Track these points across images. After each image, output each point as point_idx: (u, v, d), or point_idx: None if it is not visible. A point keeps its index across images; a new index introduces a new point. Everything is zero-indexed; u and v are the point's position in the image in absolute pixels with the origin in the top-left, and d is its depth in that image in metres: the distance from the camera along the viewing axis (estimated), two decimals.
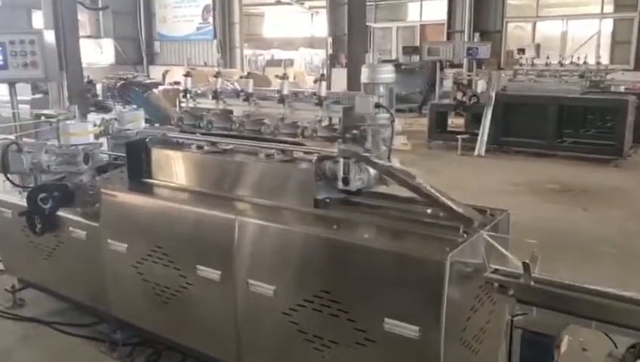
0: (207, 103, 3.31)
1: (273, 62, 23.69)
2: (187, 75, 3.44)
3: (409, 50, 17.33)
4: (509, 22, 17.32)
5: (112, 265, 3.27)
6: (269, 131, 3.00)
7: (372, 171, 2.52)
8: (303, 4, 26.75)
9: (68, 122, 3.47)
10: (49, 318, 3.90)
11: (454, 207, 2.34)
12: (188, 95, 3.37)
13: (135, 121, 4.04)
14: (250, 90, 3.14)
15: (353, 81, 12.92)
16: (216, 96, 3.24)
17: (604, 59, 13.45)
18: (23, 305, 4.10)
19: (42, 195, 3.30)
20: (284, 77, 3.04)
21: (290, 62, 23.42)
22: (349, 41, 12.30)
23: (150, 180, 3.26)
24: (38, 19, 19.70)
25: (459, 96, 10.02)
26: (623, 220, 6.17)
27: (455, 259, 2.16)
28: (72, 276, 3.62)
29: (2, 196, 3.96)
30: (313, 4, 26.77)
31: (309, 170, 2.70)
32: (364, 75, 2.59)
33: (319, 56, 24.13)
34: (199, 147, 3.15)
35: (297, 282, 2.52)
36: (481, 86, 9.89)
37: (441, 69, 11.80)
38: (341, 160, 2.62)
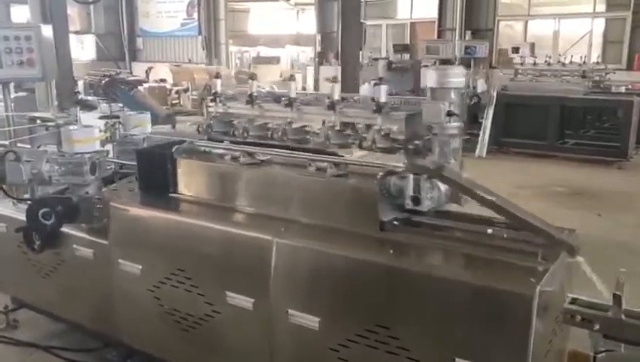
0: (240, 108, 2.96)
1: (260, 60, 23.32)
2: (217, 76, 3.09)
3: (400, 48, 17.09)
4: (501, 20, 17.19)
5: (123, 288, 2.93)
6: (318, 141, 2.66)
7: (443, 188, 2.23)
8: (288, 0, 26.37)
9: (71, 128, 3.11)
10: (46, 342, 3.54)
11: (550, 231, 2.06)
12: (218, 99, 3.01)
13: (141, 125, 3.70)
14: (293, 94, 2.80)
15: (347, 79, 12.68)
16: (251, 100, 2.89)
17: (595, 59, 13.36)
18: (17, 327, 3.73)
19: (44, 210, 2.94)
20: (335, 80, 2.73)
21: (277, 60, 23.07)
22: (343, 38, 12.03)
23: (175, 194, 2.92)
24: (18, 14, 19.08)
25: None
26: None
27: (542, 289, 1.88)
28: (75, 297, 3.26)
29: None
30: (299, 0, 26.41)
31: (373, 188, 2.39)
32: (432, 79, 2.29)
33: (306, 53, 23.77)
34: (234, 158, 2.80)
35: (348, 314, 2.21)
36: (481, 85, 9.66)
37: None
38: (410, 176, 2.31)
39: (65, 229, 3.10)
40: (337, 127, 2.72)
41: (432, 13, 18.26)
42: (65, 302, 3.37)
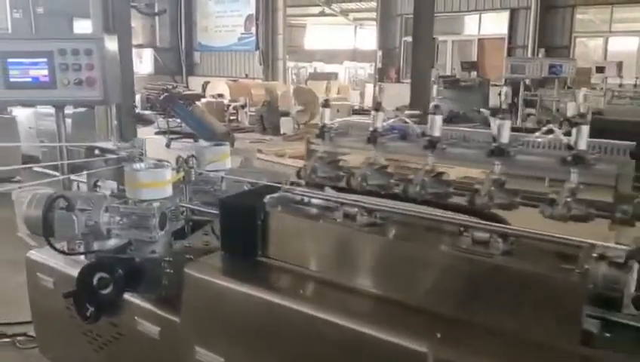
0: (356, 147, 2.24)
1: (316, 76, 22.75)
2: (325, 104, 2.37)
3: (467, 66, 16.13)
4: (577, 37, 16.03)
5: None
6: (479, 202, 1.90)
7: None
8: (347, 15, 25.81)
9: (137, 166, 2.43)
10: None
11: None
12: (326, 133, 2.29)
13: (219, 159, 3.00)
14: (437, 131, 2.05)
15: (417, 98, 11.87)
16: (374, 139, 2.16)
17: None
18: None
19: (100, 275, 2.26)
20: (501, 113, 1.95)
21: (335, 76, 22.44)
22: (414, 53, 11.24)
23: (266, 259, 2.20)
24: (81, 29, 19.13)
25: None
26: None
27: None
28: None
29: (40, 256, 2.96)
30: (358, 15, 25.82)
31: (576, 281, 1.59)
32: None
33: (365, 70, 23.08)
34: (349, 216, 2.07)
35: None
36: (571, 109, 8.65)
37: (527, 89, 10.62)
38: (636, 265, 1.52)
39: (126, 295, 2.41)
40: (497, 179, 1.94)
41: (502, 29, 17.26)
42: None
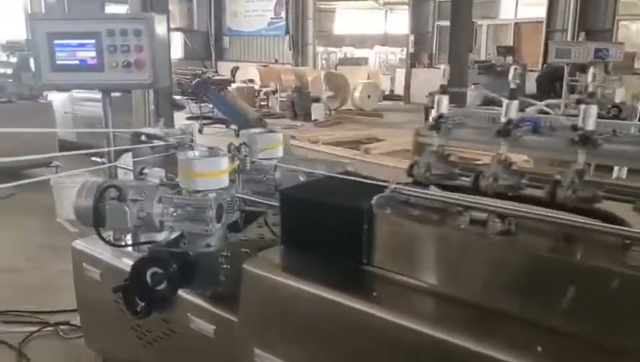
0: (481, 141, 1.98)
1: (346, 61, 22.42)
2: (443, 90, 2.09)
3: (503, 51, 15.69)
4: (621, 20, 15.42)
5: None
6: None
7: None
8: (377, 0, 25.38)
9: (191, 154, 2.28)
10: None
11: None
12: (443, 125, 2.02)
13: (271, 147, 2.84)
14: (591, 124, 1.70)
15: (454, 83, 11.46)
16: (506, 132, 1.84)
17: None
18: None
19: (154, 270, 2.13)
20: None
21: (365, 61, 22.10)
22: (452, 38, 10.93)
23: (372, 268, 1.95)
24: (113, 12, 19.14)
25: None
26: None
27: None
28: None
29: (86, 246, 2.86)
30: (389, 0, 25.37)
31: None
32: None
33: (395, 55, 22.68)
34: (477, 222, 1.79)
35: None
36: (620, 95, 8.28)
37: (572, 74, 10.22)
38: None
39: (179, 291, 2.28)
40: None
41: (539, 13, 16.71)
42: None
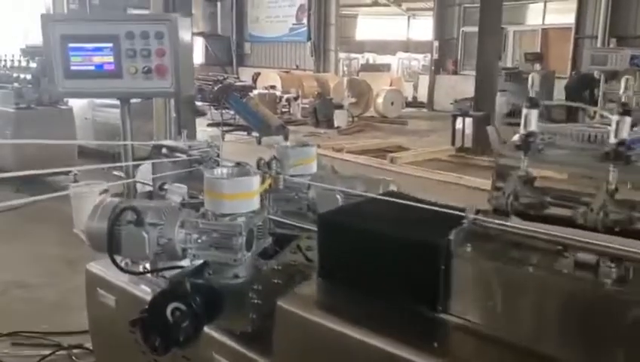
0: (582, 165, 1.64)
1: (368, 67, 22.17)
2: (533, 103, 1.73)
3: (531, 57, 15.28)
4: None
5: None
6: None
7: None
8: (400, 5, 25.09)
9: (218, 172, 2.01)
10: None
11: None
12: (532, 145, 1.68)
13: (304, 162, 2.57)
14: None
15: (482, 91, 11.18)
16: (618, 154, 1.48)
17: None
18: None
19: (175, 305, 1.86)
20: None
21: (387, 67, 21.83)
22: (480, 45, 10.59)
23: (447, 315, 1.61)
24: None
25: None
26: None
27: None
28: None
29: (100, 270, 2.61)
30: (412, 5, 25.06)
31: None
32: None
33: (418, 61, 22.36)
34: (585, 266, 1.42)
35: None
36: None
37: (596, 82, 9.84)
38: None
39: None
40: None
41: (568, 18, 16.28)
42: None
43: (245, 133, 12.18)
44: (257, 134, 11.55)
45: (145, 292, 2.30)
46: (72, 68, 2.43)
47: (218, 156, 2.46)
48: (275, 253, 2.24)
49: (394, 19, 26.57)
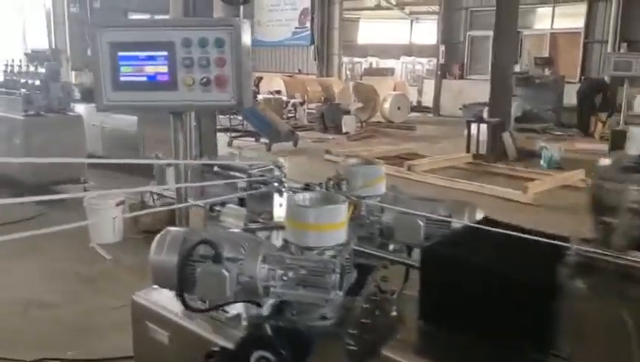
0: None
1: (372, 71, 21.98)
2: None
3: (541, 62, 15.11)
4: None
5: None
6: None
7: None
8: (403, 9, 24.92)
9: (301, 198, 1.77)
10: None
11: None
12: None
13: (372, 183, 2.33)
14: None
15: (496, 97, 10.96)
16: None
17: None
18: None
19: (260, 354, 1.62)
20: None
21: (391, 72, 21.63)
22: (495, 47, 10.39)
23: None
24: None
25: None
26: None
27: None
28: None
29: (149, 301, 2.35)
30: (415, 9, 24.90)
31: None
32: None
33: (422, 65, 22.18)
34: None
35: None
36: None
37: (602, 88, 9.66)
38: None
39: None
40: None
41: (576, 23, 16.13)
42: None
43: (253, 139, 11.93)
44: (266, 140, 11.30)
45: (203, 328, 2.05)
46: (122, 79, 2.18)
47: (284, 177, 2.21)
48: (356, 286, 2.00)
49: (396, 23, 26.38)
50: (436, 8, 19.50)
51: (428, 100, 19.78)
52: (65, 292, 4.47)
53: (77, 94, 9.35)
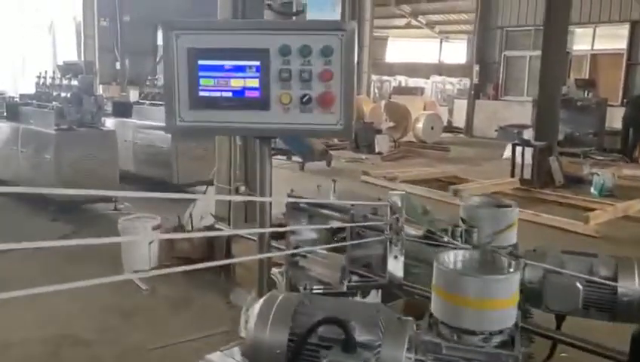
0: None
1: (401, 90, 21.51)
2: None
3: (582, 84, 14.52)
4: None
5: None
6: None
7: None
8: (433, 28, 24.56)
9: (449, 259, 1.31)
10: None
11: None
12: None
13: (505, 229, 1.87)
14: None
15: (543, 120, 10.39)
16: None
17: None
18: None
19: None
20: None
21: (421, 91, 21.15)
22: (543, 69, 9.85)
23: None
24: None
25: None
26: None
27: None
28: None
29: None
30: (445, 28, 24.52)
31: None
32: None
33: (453, 85, 21.70)
34: None
35: None
36: None
37: None
38: None
39: None
40: None
41: (618, 44, 15.57)
42: None
43: (285, 157, 11.50)
44: (300, 159, 10.87)
45: None
46: (201, 94, 1.75)
47: (398, 221, 1.75)
48: None
49: (425, 42, 26.01)
50: (467, 27, 19.08)
51: (458, 120, 19.25)
52: (100, 328, 4.04)
53: (108, 108, 9.07)
